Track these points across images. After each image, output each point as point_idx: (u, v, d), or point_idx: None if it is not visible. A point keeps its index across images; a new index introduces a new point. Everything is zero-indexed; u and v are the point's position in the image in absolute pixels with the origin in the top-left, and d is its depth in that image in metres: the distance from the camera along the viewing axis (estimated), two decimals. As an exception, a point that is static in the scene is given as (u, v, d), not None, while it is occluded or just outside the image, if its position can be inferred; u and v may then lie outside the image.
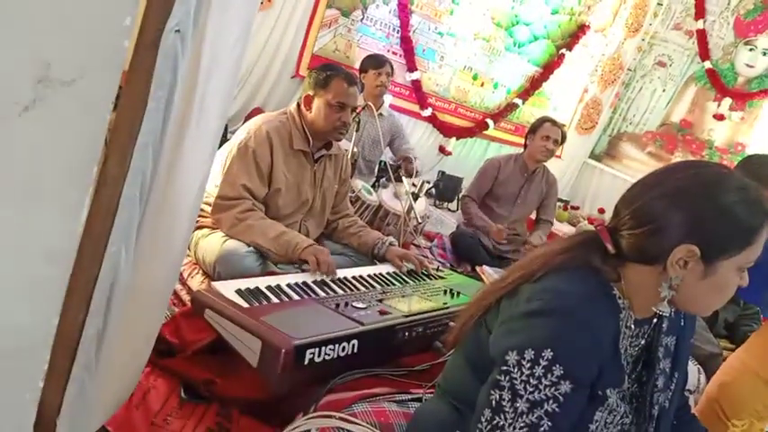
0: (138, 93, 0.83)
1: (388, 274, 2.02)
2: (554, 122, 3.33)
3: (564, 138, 3.37)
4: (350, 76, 2.07)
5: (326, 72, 2.02)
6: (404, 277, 2.03)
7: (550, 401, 0.87)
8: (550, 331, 0.90)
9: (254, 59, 4.13)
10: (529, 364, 0.88)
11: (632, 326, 1.00)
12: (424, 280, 2.07)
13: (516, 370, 0.89)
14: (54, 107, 0.71)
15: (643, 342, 1.04)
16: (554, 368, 0.87)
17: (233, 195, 1.91)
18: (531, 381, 0.87)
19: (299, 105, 2.08)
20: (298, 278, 1.74)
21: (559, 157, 5.94)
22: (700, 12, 5.59)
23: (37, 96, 0.70)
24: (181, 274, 1.94)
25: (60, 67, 0.70)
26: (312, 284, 1.72)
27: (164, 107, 0.81)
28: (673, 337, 1.08)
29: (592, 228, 1.07)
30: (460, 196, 3.68)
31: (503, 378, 0.90)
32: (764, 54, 5.28)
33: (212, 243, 1.89)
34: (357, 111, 2.77)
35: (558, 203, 5.27)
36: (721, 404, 1.32)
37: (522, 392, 0.88)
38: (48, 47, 0.67)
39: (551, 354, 0.87)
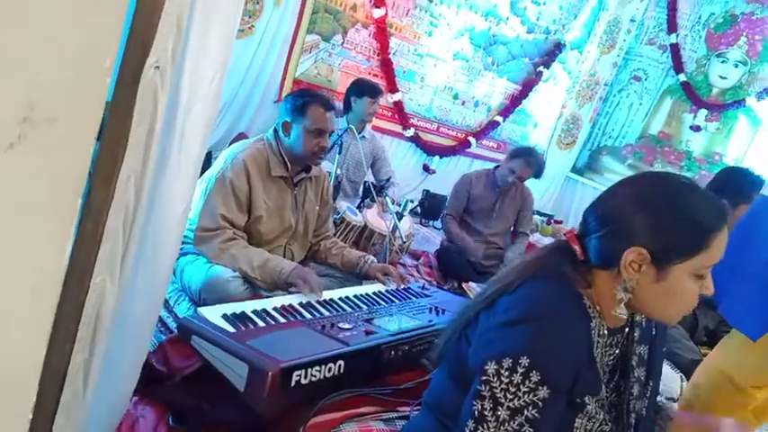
0: (120, 126, 0.86)
1: (374, 293, 2.04)
2: (528, 163, 3.36)
3: (538, 173, 3.41)
4: (326, 101, 2.09)
5: (303, 98, 2.05)
6: (390, 296, 2.06)
7: (530, 408, 0.90)
8: (526, 339, 0.93)
9: (237, 85, 4.17)
10: (507, 373, 0.91)
11: (605, 333, 1.03)
12: (410, 298, 2.09)
13: (496, 379, 0.92)
14: (39, 144, 0.74)
15: (617, 351, 1.07)
16: (531, 375, 0.90)
17: (213, 226, 1.93)
18: (511, 389, 0.90)
19: (275, 131, 2.10)
20: (284, 301, 1.76)
21: (542, 172, 6.03)
22: (672, 26, 5.74)
23: (22, 133, 0.73)
24: (167, 301, 1.95)
25: (44, 107, 0.72)
26: (298, 307, 1.74)
27: (145, 140, 0.84)
28: (645, 347, 1.12)
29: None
30: (442, 214, 3.75)
31: (483, 388, 0.93)
32: (736, 66, 5.42)
33: (197, 270, 1.90)
34: (340, 134, 2.81)
35: (542, 218, 5.34)
36: (697, 407, 1.35)
37: (503, 401, 0.91)
38: (32, 88, 0.70)
39: (528, 361, 0.90)
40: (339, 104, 3.60)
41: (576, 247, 1.04)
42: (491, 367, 0.93)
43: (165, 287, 1.08)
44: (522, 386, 0.90)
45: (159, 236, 0.97)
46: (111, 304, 0.94)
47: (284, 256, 2.13)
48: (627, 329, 1.07)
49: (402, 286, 2.14)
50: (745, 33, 5.36)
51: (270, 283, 1.91)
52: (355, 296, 1.95)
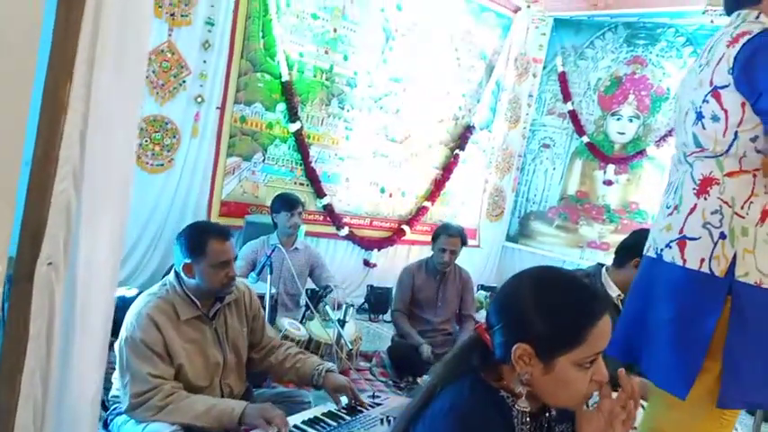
0: (19, 324, 0.87)
1: (323, 414, 1.99)
2: (450, 233, 3.50)
3: (464, 242, 3.55)
4: (221, 231, 2.03)
5: (198, 237, 1.98)
6: (342, 414, 2.01)
7: None
8: None
9: (164, 218, 4.18)
10: None
11: (528, 419, 1.05)
12: (362, 412, 2.06)
13: None
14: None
15: None
16: None
17: (146, 389, 1.80)
18: None
19: (177, 274, 2.01)
20: (229, 444, 1.70)
21: (478, 246, 6.23)
22: (566, 96, 6.27)
23: None
24: (107, 468, 1.84)
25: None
26: (245, 448, 1.68)
27: (45, 333, 0.85)
28: (568, 425, 1.14)
29: None
30: (390, 310, 3.77)
31: None
32: (631, 120, 5.92)
33: (131, 431, 1.81)
34: (269, 255, 2.84)
35: (486, 292, 5.45)
36: None
37: None
38: None
39: None
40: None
41: (488, 337, 1.08)
42: None
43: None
44: None
45: (74, 420, 0.95)
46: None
47: (222, 395, 2.03)
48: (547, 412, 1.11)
49: (354, 403, 2.08)
50: (631, 91, 5.91)
51: (219, 428, 1.81)
52: (303, 422, 1.91)
